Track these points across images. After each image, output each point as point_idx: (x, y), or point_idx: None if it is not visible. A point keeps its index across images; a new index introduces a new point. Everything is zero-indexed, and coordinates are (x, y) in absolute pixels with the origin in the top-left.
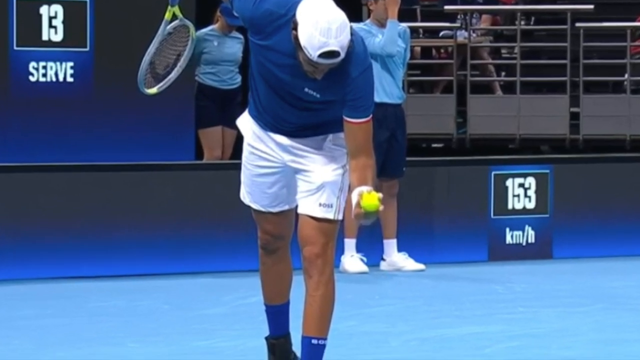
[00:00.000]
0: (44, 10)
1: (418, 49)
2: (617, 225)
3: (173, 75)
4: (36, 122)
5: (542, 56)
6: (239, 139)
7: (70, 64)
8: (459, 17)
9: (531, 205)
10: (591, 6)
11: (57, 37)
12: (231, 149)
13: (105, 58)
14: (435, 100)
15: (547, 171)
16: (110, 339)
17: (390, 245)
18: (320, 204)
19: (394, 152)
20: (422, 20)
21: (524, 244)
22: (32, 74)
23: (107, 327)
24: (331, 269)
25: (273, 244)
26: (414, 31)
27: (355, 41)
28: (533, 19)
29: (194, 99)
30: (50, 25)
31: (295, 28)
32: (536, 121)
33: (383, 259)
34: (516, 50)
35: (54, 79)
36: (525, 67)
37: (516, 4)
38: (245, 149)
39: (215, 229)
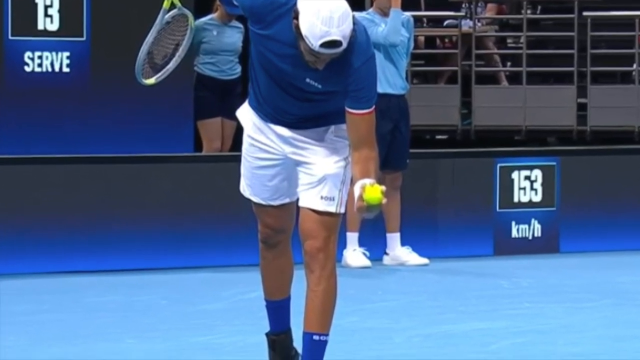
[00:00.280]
0: None
1: (422, 38)
2: (625, 219)
3: (171, 65)
4: (31, 114)
5: (548, 46)
6: (239, 130)
7: (67, 53)
8: (463, 5)
9: (537, 198)
10: None
11: (53, 26)
12: (231, 140)
13: (102, 48)
14: (439, 91)
15: (554, 163)
16: (107, 335)
17: (394, 239)
18: (321, 197)
19: (397, 144)
20: (426, 9)
21: (530, 238)
22: (28, 64)
23: (104, 322)
24: (333, 264)
25: (274, 237)
26: (417, 20)
27: (358, 30)
28: (539, 7)
29: (193, 90)
30: (46, 14)
31: (296, 17)
32: (543, 112)
33: (386, 253)
34: (522, 39)
35: (49, 69)
36: (532, 57)
37: None
38: (245, 140)
39: (215, 223)
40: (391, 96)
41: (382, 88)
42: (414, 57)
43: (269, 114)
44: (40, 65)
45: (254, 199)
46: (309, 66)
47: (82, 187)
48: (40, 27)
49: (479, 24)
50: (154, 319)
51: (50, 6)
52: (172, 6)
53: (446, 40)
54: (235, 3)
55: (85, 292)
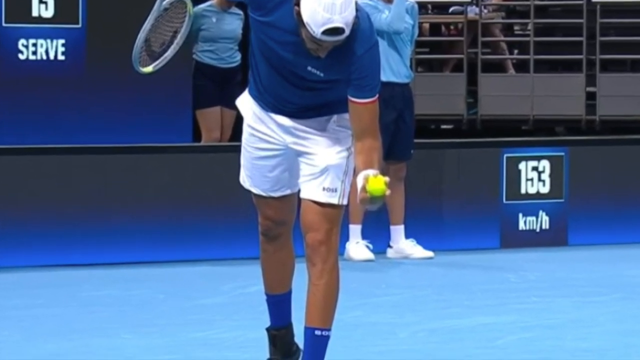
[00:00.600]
0: None
1: (427, 25)
2: (635, 211)
3: (169, 53)
4: (26, 103)
5: (556, 33)
6: (239, 120)
7: (62, 41)
8: None
9: (545, 189)
10: None
11: (48, 13)
12: (230, 130)
13: (98, 35)
14: (444, 79)
15: (562, 154)
16: (103, 330)
17: (398, 231)
18: (324, 188)
19: (401, 134)
20: None
21: (538, 230)
22: (22, 52)
23: (100, 317)
24: (335, 257)
25: (274, 230)
26: (422, 7)
27: (361, 17)
28: None
29: (192, 78)
30: (41, 1)
31: (298, 4)
32: (551, 101)
33: (390, 246)
34: (530, 26)
35: (44, 57)
36: (539, 45)
37: None
38: (245, 130)
39: (214, 215)
40: (395, 85)
41: (385, 76)
42: (419, 44)
43: (270, 103)
44: (34, 53)
45: (254, 190)
46: (310, 54)
47: (78, 178)
48: (34, 13)
49: (485, 11)
50: (152, 313)
51: None
52: None
53: (452, 27)
54: None
55: (81, 286)
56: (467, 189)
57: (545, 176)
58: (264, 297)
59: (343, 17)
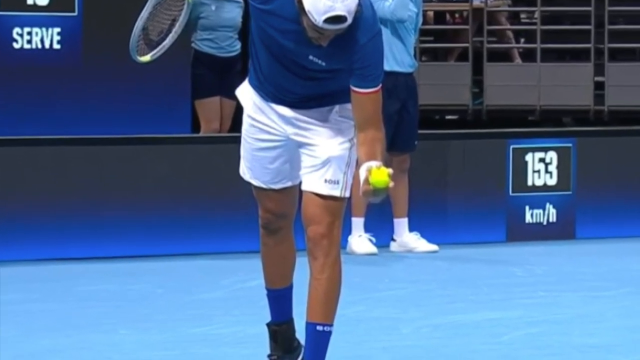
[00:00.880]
0: None
1: (431, 13)
2: None
3: (167, 41)
4: (20, 92)
5: (564, 21)
6: (238, 110)
7: (57, 29)
8: None
9: (552, 181)
10: None
11: (43, 0)
12: (230, 121)
13: (94, 23)
14: (449, 68)
15: (570, 145)
16: (100, 326)
17: (401, 224)
18: (325, 180)
19: (405, 125)
20: None
21: (545, 223)
22: (16, 41)
23: (97, 312)
24: (337, 250)
25: (275, 223)
26: None
27: (364, 5)
28: None
29: (190, 68)
30: None
31: None
32: (558, 91)
33: (393, 240)
34: (536, 14)
35: (39, 46)
36: (546, 33)
37: None
38: (245, 121)
39: (213, 207)
40: (399, 74)
41: (389, 66)
42: (423, 33)
43: (271, 93)
44: (29, 41)
45: (255, 183)
46: (312, 43)
47: (74, 170)
48: (29, 1)
49: None
50: (149, 308)
51: None
52: None
53: (456, 15)
54: None
55: (77, 280)
56: (473, 181)
57: (553, 168)
58: (265, 292)
59: (345, 5)
